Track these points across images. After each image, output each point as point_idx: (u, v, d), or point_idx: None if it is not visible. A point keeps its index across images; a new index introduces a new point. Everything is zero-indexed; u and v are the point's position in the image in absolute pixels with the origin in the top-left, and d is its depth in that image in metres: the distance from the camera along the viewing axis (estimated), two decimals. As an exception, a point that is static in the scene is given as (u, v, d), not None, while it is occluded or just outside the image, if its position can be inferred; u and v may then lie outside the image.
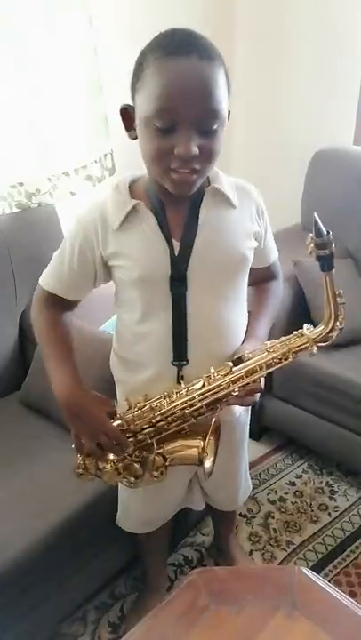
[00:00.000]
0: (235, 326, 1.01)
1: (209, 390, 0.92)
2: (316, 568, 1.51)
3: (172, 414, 0.93)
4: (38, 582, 1.19)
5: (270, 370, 0.92)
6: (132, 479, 1.00)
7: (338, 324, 0.89)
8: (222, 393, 0.91)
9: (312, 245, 0.83)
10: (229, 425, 1.13)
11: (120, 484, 1.15)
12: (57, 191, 1.67)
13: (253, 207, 0.97)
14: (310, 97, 2.11)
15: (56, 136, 1.64)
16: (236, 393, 0.92)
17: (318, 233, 0.82)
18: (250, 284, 1.08)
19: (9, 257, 1.56)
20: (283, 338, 0.93)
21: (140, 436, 0.95)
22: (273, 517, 1.69)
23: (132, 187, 0.93)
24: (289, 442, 1.96)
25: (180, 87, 0.75)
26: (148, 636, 0.86)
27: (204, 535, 1.64)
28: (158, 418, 0.94)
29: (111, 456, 0.99)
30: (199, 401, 0.92)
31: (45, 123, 1.60)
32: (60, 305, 1.02)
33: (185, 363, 0.97)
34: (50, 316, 1.02)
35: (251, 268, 1.02)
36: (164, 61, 0.75)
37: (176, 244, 0.91)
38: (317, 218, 0.81)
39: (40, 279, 1.02)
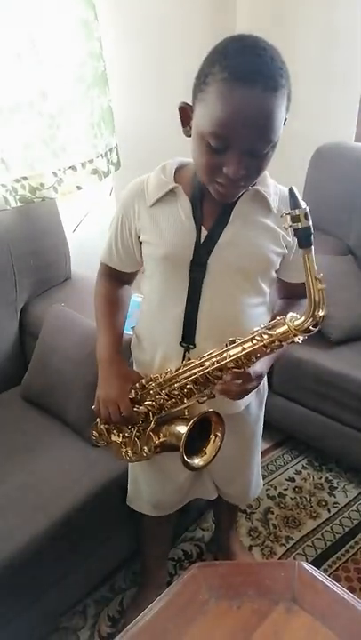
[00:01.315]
0: (246, 322, 1.00)
1: (197, 366, 0.93)
2: (316, 563, 1.52)
3: (165, 385, 0.97)
4: (39, 576, 1.19)
5: (252, 354, 0.89)
6: (130, 453, 1.05)
7: (319, 312, 0.82)
8: (207, 370, 0.92)
9: (289, 220, 0.79)
10: (241, 418, 1.14)
11: (130, 464, 1.22)
12: (63, 185, 1.66)
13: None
14: (312, 93, 2.10)
15: (62, 129, 1.63)
16: (223, 376, 0.92)
17: (294, 205, 0.78)
18: (282, 297, 1.09)
19: (9, 252, 1.56)
20: (267, 325, 0.90)
21: (142, 408, 1.00)
22: (272, 513, 1.70)
23: (179, 171, 0.97)
24: (288, 438, 1.96)
25: (239, 118, 0.76)
26: (147, 630, 0.85)
27: (203, 530, 1.64)
28: (155, 389, 0.98)
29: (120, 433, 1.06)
30: (188, 377, 0.94)
31: (52, 115, 1.59)
32: (116, 277, 1.11)
33: (192, 347, 0.99)
34: (107, 287, 1.11)
35: (284, 281, 1.04)
36: (228, 86, 0.75)
37: (204, 233, 0.93)
38: (295, 190, 0.78)
39: (100, 253, 1.09)
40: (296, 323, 0.85)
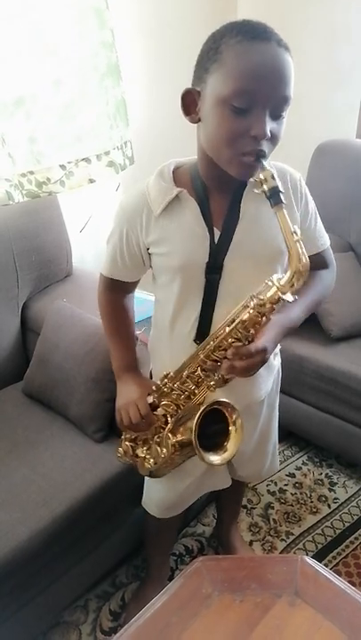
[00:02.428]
0: None
1: (200, 349, 0.94)
2: (316, 559, 1.50)
3: (177, 378, 0.98)
4: (41, 571, 1.20)
5: (248, 325, 0.89)
6: (152, 462, 1.05)
7: (301, 262, 0.83)
8: (210, 349, 0.92)
9: (262, 186, 0.81)
10: (259, 404, 1.16)
11: None
12: (72, 179, 1.64)
13: (291, 192, 0.96)
14: (314, 90, 2.11)
15: (77, 119, 1.62)
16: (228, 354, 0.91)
17: (261, 170, 0.81)
18: None
19: (12, 248, 1.56)
20: (256, 292, 0.89)
21: (159, 410, 1.01)
22: (273, 508, 1.71)
23: (176, 173, 0.95)
24: (289, 434, 1.97)
25: (263, 70, 0.77)
26: (151, 623, 0.86)
27: (204, 525, 1.65)
28: (169, 385, 0.99)
29: (143, 449, 1.08)
30: (194, 363, 0.95)
31: (66, 105, 1.58)
32: (119, 287, 1.09)
33: None
34: (111, 300, 1.11)
35: None
36: (246, 44, 0.77)
37: (217, 233, 0.93)
38: (261, 159, 0.81)
39: (101, 266, 1.08)
40: (283, 281, 0.86)
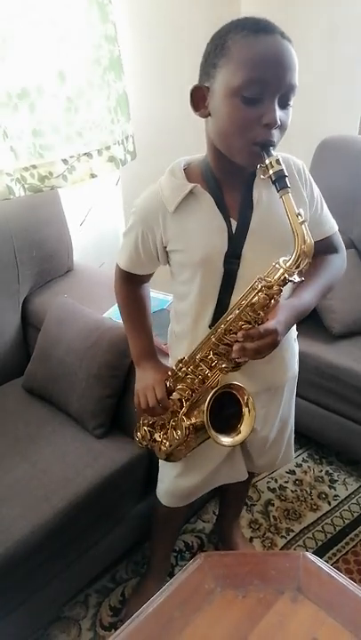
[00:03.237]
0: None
1: (212, 332, 0.96)
2: (316, 555, 1.51)
3: (190, 362, 1.00)
4: (41, 566, 1.19)
5: (257, 307, 0.89)
6: (167, 444, 1.07)
7: (305, 243, 0.84)
8: (221, 332, 0.93)
9: (268, 171, 0.83)
10: (281, 388, 1.16)
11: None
12: (74, 173, 1.64)
13: (296, 177, 0.97)
14: (317, 85, 2.10)
15: (79, 113, 1.61)
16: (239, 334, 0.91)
17: (266, 156, 0.83)
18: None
19: (12, 243, 1.56)
20: (264, 274, 0.90)
21: (175, 395, 1.03)
22: (273, 505, 1.71)
23: (187, 170, 0.96)
24: (289, 431, 1.97)
25: (271, 59, 0.80)
26: (153, 618, 0.86)
27: (204, 522, 1.65)
28: (184, 369, 1.01)
29: (159, 433, 1.11)
30: (207, 347, 0.97)
31: (69, 99, 1.57)
32: (135, 279, 1.12)
33: None
34: (128, 290, 1.14)
35: None
36: (252, 38, 0.80)
37: (234, 223, 0.94)
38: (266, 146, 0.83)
39: (117, 257, 1.10)
40: (288, 263, 0.87)
